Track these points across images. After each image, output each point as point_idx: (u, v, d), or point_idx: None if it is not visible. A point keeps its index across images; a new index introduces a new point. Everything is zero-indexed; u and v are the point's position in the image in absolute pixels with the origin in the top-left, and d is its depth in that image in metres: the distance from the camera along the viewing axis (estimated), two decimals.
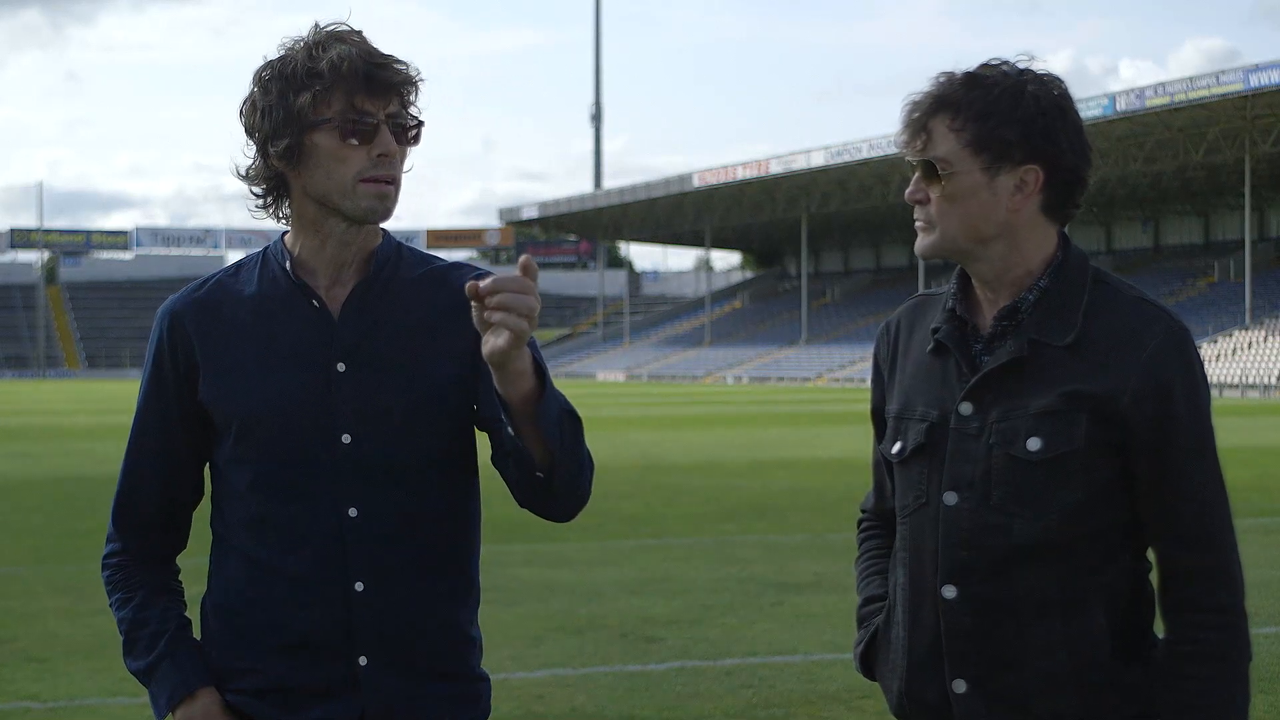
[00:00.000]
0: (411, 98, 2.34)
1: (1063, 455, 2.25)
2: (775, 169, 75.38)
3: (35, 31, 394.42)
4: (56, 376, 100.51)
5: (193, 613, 2.48)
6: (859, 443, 20.77)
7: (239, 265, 2.49)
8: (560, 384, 2.26)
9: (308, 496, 2.35)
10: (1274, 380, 54.84)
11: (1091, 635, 2.28)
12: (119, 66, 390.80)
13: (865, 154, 68.59)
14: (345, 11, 2.39)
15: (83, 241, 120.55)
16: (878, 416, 2.53)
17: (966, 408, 2.32)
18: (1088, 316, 2.30)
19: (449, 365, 2.38)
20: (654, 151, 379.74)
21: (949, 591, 2.31)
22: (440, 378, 2.38)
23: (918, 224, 2.36)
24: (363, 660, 2.36)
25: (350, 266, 2.40)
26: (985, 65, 2.32)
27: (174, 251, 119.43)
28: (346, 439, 2.35)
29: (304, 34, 2.33)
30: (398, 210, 2.36)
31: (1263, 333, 61.00)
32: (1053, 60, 2.35)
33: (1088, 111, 53.94)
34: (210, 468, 2.47)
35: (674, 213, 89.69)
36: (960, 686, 2.31)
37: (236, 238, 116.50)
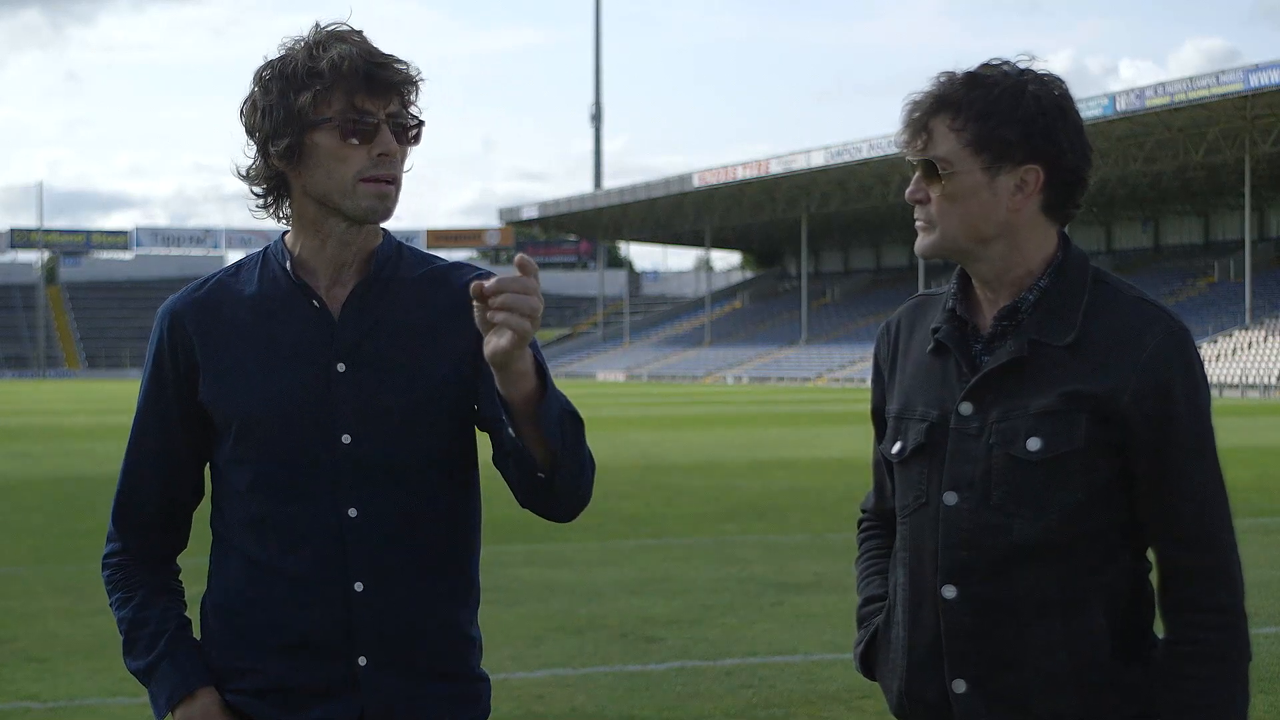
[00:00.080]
0: (412, 97, 2.34)
1: (1063, 455, 2.25)
2: (775, 169, 75.38)
3: (35, 31, 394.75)
4: (56, 376, 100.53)
5: (193, 613, 2.48)
6: (859, 443, 20.77)
7: (239, 265, 2.49)
8: (560, 384, 2.26)
9: (308, 497, 2.35)
10: (1274, 380, 54.84)
11: (1091, 635, 2.28)
12: (119, 66, 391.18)
13: (865, 154, 68.59)
14: (346, 11, 2.40)
15: (83, 241, 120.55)
16: (878, 416, 2.53)
17: (966, 408, 2.32)
18: (1088, 316, 2.30)
19: (449, 365, 2.38)
20: (654, 151, 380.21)
21: (949, 591, 2.31)
22: (440, 378, 2.38)
23: (918, 223, 2.36)
24: (362, 660, 2.36)
25: (350, 266, 2.40)
26: (986, 65, 2.32)
27: (174, 251, 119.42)
28: (346, 439, 2.35)
29: (304, 34, 2.33)
30: (398, 210, 2.36)
31: (1263, 333, 61.00)
32: (1053, 60, 2.35)
33: (1088, 111, 53.94)
34: (210, 468, 2.47)
35: (674, 213, 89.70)
36: (960, 686, 2.31)
37: (236, 238, 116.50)
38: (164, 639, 2.43)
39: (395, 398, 2.36)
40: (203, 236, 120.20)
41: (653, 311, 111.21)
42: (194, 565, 2.62)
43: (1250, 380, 55.71)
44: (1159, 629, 2.34)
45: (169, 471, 2.46)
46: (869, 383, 2.58)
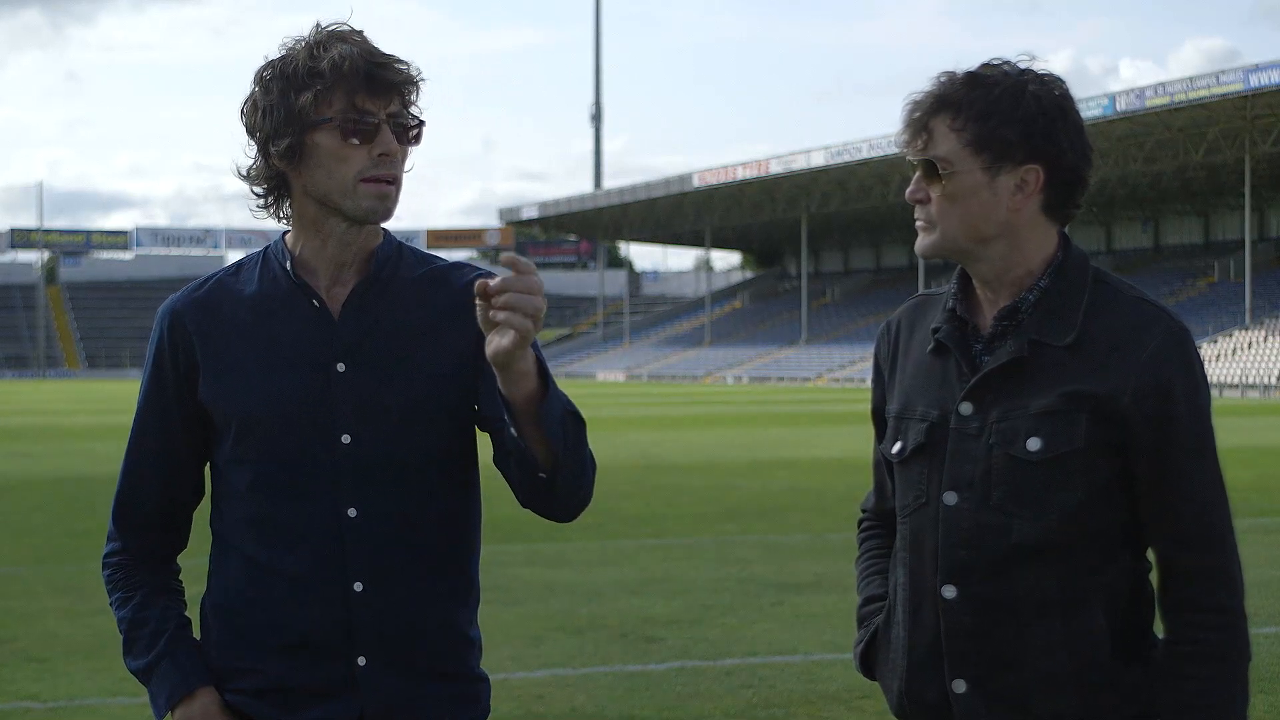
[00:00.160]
0: (412, 97, 2.34)
1: (1063, 455, 2.25)
2: (775, 169, 75.38)
3: (35, 31, 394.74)
4: (56, 376, 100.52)
5: (193, 612, 2.48)
6: (859, 443, 20.77)
7: (239, 265, 2.49)
8: (560, 384, 2.26)
9: (307, 496, 2.35)
10: (1274, 380, 54.83)
11: (1091, 635, 2.28)
12: (119, 66, 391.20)
13: (865, 154, 68.59)
14: (346, 11, 2.40)
15: (83, 241, 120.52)
16: (878, 416, 2.53)
17: (967, 408, 2.32)
18: (1088, 316, 2.30)
19: (449, 365, 2.38)
20: (654, 151, 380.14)
21: (949, 591, 2.31)
22: (440, 377, 2.38)
23: (918, 223, 2.36)
24: (362, 660, 2.36)
25: (351, 266, 2.40)
26: (986, 65, 2.32)
27: (174, 251, 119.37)
28: (346, 439, 2.35)
29: (305, 33, 2.33)
30: (398, 210, 2.36)
31: (1263, 333, 61.00)
32: (1053, 60, 2.35)
33: (1088, 111, 53.94)
34: (210, 468, 2.47)
35: (674, 213, 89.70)
36: (960, 686, 2.31)
37: (236, 238, 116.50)
38: (164, 639, 2.43)
39: (395, 397, 2.36)
40: (203, 236, 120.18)
41: (653, 311, 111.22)
42: (194, 565, 2.62)
43: (1250, 380, 55.70)
44: (1159, 629, 2.34)
45: (169, 471, 2.46)
46: (869, 383, 2.58)
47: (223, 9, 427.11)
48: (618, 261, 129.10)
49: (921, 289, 2.80)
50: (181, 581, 2.54)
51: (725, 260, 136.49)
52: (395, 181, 2.33)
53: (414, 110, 2.34)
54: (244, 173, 2.38)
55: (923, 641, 2.35)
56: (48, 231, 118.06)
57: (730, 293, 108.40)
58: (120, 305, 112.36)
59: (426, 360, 2.38)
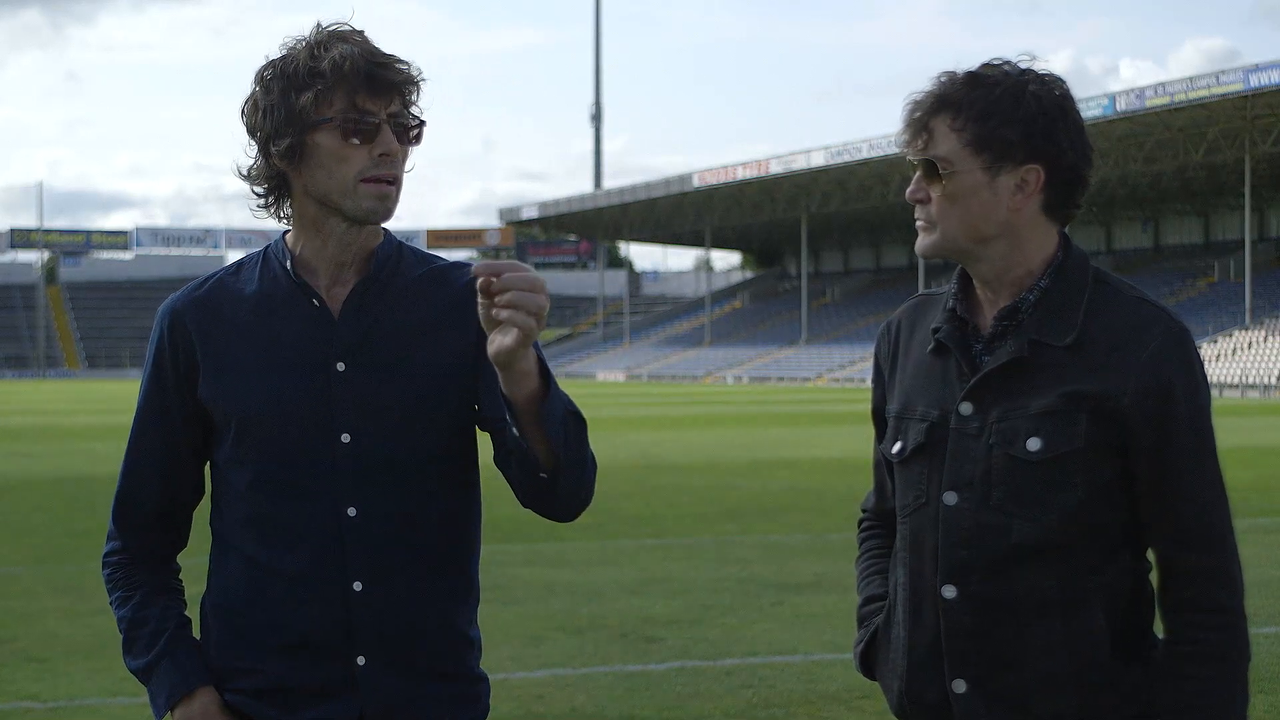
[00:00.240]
0: (413, 97, 2.33)
1: (1063, 455, 2.25)
2: (775, 169, 75.36)
3: (35, 31, 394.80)
4: (56, 376, 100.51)
5: (193, 612, 2.48)
6: (859, 443, 20.77)
7: (240, 264, 2.49)
8: (560, 384, 2.26)
9: (307, 496, 2.35)
10: (1274, 380, 54.83)
11: (1091, 635, 2.28)
12: (119, 66, 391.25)
13: (865, 154, 68.57)
14: (347, 11, 2.40)
15: (83, 241, 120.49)
16: (878, 416, 2.53)
17: (967, 408, 2.32)
18: (1088, 316, 2.30)
19: (449, 364, 2.38)
20: (654, 151, 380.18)
21: (949, 591, 2.31)
22: (440, 377, 2.37)
23: (919, 223, 2.36)
24: (361, 660, 2.36)
25: (351, 266, 2.40)
26: (987, 65, 2.32)
27: (174, 251, 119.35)
28: (346, 438, 2.35)
29: (306, 33, 2.33)
30: (398, 210, 2.36)
31: (1263, 333, 60.99)
32: (1053, 60, 2.35)
33: (1088, 111, 53.94)
34: (210, 467, 2.47)
35: (674, 213, 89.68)
36: (960, 686, 2.31)
37: (236, 238, 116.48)
38: (163, 638, 2.43)
39: (395, 397, 2.36)
40: (203, 236, 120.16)
41: (653, 311, 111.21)
42: (194, 565, 2.62)
43: (1250, 380, 55.70)
44: (1159, 629, 2.34)
45: (169, 470, 2.46)
46: (869, 383, 2.58)
47: (223, 9, 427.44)
48: (618, 261, 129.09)
49: (921, 289, 2.80)
50: (181, 581, 2.54)
51: (725, 260, 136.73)
52: (395, 181, 2.33)
53: (414, 110, 2.34)
54: (244, 172, 2.38)
55: (923, 641, 2.35)
56: (48, 231, 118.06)
57: (730, 293, 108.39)
58: (120, 305, 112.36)
59: (427, 360, 2.38)
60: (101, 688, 7.15)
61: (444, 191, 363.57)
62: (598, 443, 2.40)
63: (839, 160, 70.94)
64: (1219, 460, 2.31)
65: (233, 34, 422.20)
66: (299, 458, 2.35)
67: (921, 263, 72.37)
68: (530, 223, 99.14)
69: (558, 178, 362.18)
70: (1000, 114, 2.26)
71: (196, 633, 2.48)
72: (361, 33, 2.33)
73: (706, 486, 17.71)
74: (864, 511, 2.67)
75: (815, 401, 49.03)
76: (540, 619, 8.97)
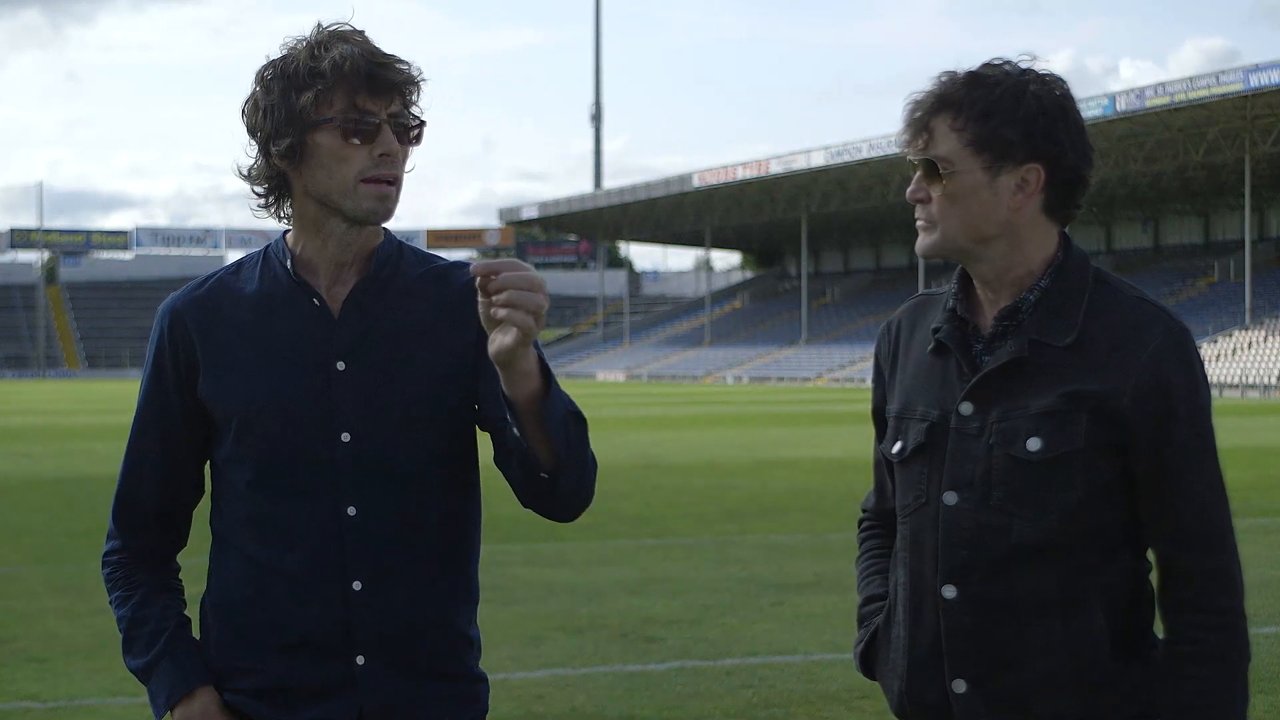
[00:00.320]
0: (413, 97, 2.33)
1: (1063, 455, 2.25)
2: (775, 169, 75.36)
3: (35, 31, 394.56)
4: (56, 376, 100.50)
5: (192, 612, 2.48)
6: (859, 443, 20.77)
7: (240, 264, 2.49)
8: (560, 384, 2.26)
9: (307, 495, 2.35)
10: (1274, 380, 54.83)
11: (1091, 635, 2.28)
12: (119, 66, 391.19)
13: (865, 154, 68.57)
14: (347, 11, 2.40)
15: (83, 241, 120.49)
16: (879, 416, 2.53)
17: (967, 408, 2.32)
18: (1088, 317, 2.30)
19: (449, 364, 2.38)
20: (654, 151, 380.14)
21: (949, 591, 2.31)
22: (440, 376, 2.37)
23: (919, 223, 2.36)
24: (360, 660, 2.36)
25: (351, 266, 2.40)
26: (987, 65, 2.32)
27: (174, 251, 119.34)
28: (346, 437, 2.35)
29: (306, 33, 2.33)
30: (398, 210, 2.36)
31: (1263, 333, 60.99)
32: (1053, 60, 2.35)
33: (1088, 111, 53.92)
34: (210, 466, 2.47)
35: (674, 213, 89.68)
36: (960, 686, 2.31)
37: (236, 238, 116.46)
38: (163, 638, 2.43)
39: (395, 396, 2.36)
40: (203, 236, 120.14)
41: (653, 311, 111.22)
42: (194, 565, 2.62)
43: (1250, 380, 55.70)
44: (1159, 629, 2.34)
45: (169, 470, 2.46)
46: (869, 383, 2.58)
47: (223, 9, 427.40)
48: (618, 261, 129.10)
49: (921, 289, 2.80)
50: (181, 580, 2.54)
51: (725, 260, 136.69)
52: (396, 182, 2.33)
53: (415, 110, 2.34)
54: (245, 172, 2.38)
55: (923, 641, 2.35)
56: (48, 231, 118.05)
57: (730, 293, 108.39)
58: (120, 305, 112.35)
59: (427, 359, 2.38)
60: (101, 688, 7.15)
61: (444, 191, 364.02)
62: (598, 443, 2.40)
63: (839, 160, 70.94)
64: (1219, 460, 2.31)
65: (233, 34, 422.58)
66: (299, 457, 2.35)
67: (921, 263, 72.38)
68: (530, 223, 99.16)
69: (558, 178, 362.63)
70: (1001, 114, 2.26)
71: (196, 632, 2.48)
72: (362, 33, 2.33)
73: (706, 486, 17.71)
74: (864, 511, 2.67)
75: (815, 401, 49.03)
76: (540, 619, 8.97)
